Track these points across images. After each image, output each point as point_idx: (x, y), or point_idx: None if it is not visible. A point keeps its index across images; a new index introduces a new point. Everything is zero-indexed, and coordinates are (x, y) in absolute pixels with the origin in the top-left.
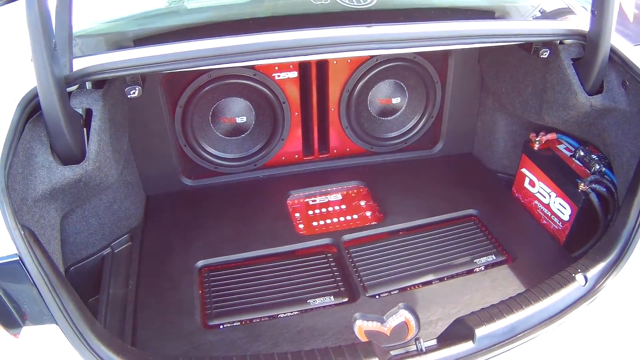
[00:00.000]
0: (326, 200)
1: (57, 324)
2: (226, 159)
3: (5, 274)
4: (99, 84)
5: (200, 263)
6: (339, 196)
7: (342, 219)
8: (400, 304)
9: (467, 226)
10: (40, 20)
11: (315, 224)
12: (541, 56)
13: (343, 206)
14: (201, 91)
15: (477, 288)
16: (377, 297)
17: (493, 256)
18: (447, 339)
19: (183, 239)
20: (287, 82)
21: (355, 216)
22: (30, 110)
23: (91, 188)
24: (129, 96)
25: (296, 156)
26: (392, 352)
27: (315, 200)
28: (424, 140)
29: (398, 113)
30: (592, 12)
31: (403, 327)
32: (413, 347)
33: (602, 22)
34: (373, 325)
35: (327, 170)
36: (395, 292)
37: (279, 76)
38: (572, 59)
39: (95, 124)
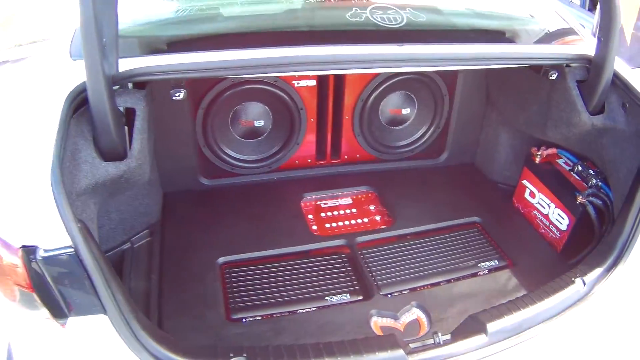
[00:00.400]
0: (337, 203)
1: (106, 314)
2: (242, 160)
3: (59, 264)
4: (140, 85)
5: (221, 259)
6: (349, 200)
7: (353, 222)
8: (413, 303)
9: (471, 232)
10: (94, 17)
11: (328, 225)
12: (550, 78)
13: (353, 210)
14: (223, 95)
15: (482, 290)
16: (390, 295)
17: (495, 261)
18: (461, 333)
19: (203, 236)
20: (305, 90)
21: (365, 220)
22: (75, 107)
23: (130, 184)
24: (173, 98)
25: (309, 160)
26: (411, 345)
27: (327, 203)
28: (429, 149)
29: (407, 123)
30: (598, 38)
31: (415, 323)
32: (431, 340)
33: (607, 48)
34: (388, 322)
35: (338, 175)
36: (407, 291)
37: (298, 84)
38: (577, 81)
39: (138, 122)
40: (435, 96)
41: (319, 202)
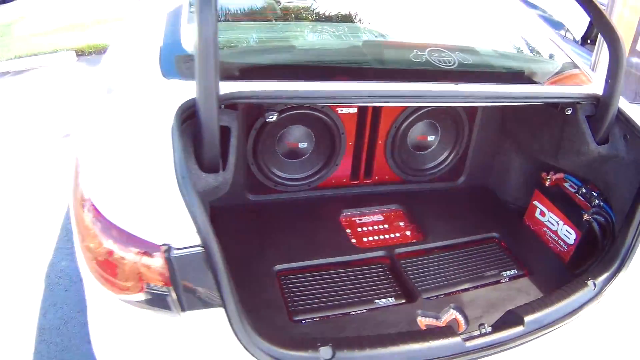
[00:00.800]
0: (370, 219)
1: (224, 309)
2: (286, 178)
3: (190, 262)
4: (233, 106)
5: (276, 267)
6: (380, 217)
7: (387, 236)
8: (450, 304)
9: (491, 246)
10: (213, 42)
11: (365, 239)
12: (566, 113)
13: (386, 225)
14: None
15: (507, 294)
16: (429, 299)
17: (515, 270)
18: (502, 324)
19: (255, 247)
20: (347, 116)
21: (397, 234)
22: (181, 121)
23: (216, 196)
24: (267, 120)
25: (344, 180)
26: (462, 336)
27: (361, 219)
28: (449, 173)
29: (431, 149)
30: (607, 80)
31: (454, 322)
32: (477, 332)
33: (614, 88)
34: (431, 321)
35: (370, 194)
36: (443, 296)
37: (342, 110)
38: (586, 116)
39: (232, 139)
40: (458, 125)
41: (354, 218)
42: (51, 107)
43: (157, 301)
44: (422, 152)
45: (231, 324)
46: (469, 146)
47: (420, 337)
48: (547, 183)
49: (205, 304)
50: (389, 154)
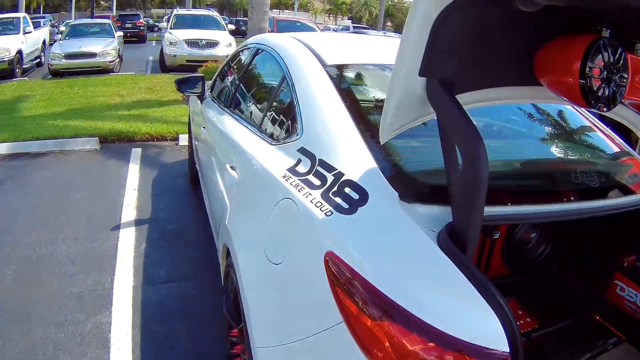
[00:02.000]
0: None
1: None
2: None
3: None
4: None
5: None
6: None
7: None
8: None
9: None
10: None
11: None
12: None
13: None
14: None
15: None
16: None
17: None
18: None
19: None
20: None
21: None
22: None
23: None
24: (493, 237)
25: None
26: None
27: None
28: (544, 263)
29: (530, 244)
30: None
31: None
32: None
33: None
34: None
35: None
36: None
37: None
38: None
39: None
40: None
41: None
42: (75, 202)
43: None
44: (525, 247)
45: None
46: (563, 238)
47: None
48: (625, 264)
49: None
50: (505, 251)
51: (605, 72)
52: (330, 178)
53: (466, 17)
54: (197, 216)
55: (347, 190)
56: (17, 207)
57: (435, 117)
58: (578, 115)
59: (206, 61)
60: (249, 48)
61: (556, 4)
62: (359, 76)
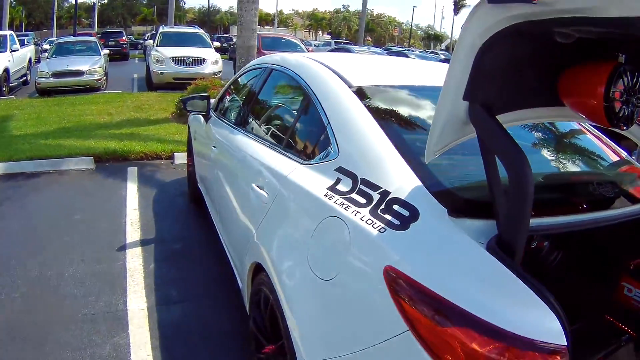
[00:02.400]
0: None
1: None
2: None
3: None
4: None
5: None
6: None
7: None
8: None
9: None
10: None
11: None
12: None
13: None
14: None
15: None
16: None
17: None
18: None
19: None
20: None
21: None
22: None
23: None
24: (532, 247)
25: None
26: None
27: None
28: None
29: None
30: None
31: None
32: None
33: None
34: None
35: None
36: None
37: None
38: None
39: None
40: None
41: None
42: (73, 223)
43: None
44: (539, 254)
45: None
46: (573, 245)
47: None
48: (632, 267)
49: None
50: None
51: (625, 95)
52: (376, 196)
53: (507, 46)
54: (202, 235)
55: (395, 207)
56: (18, 229)
57: (470, 138)
58: (578, 127)
59: (194, 79)
60: (259, 68)
61: (586, 37)
62: (384, 97)
